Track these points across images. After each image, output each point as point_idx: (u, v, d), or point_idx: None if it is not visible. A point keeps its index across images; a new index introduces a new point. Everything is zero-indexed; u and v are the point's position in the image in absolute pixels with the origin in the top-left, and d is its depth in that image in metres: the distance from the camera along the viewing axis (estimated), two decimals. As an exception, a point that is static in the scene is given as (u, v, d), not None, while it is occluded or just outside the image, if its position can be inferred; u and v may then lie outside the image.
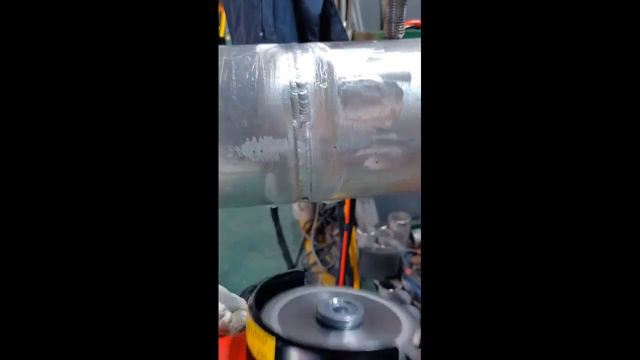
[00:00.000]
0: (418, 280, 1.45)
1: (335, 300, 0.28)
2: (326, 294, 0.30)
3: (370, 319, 0.27)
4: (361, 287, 1.58)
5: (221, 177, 0.44)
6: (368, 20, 1.62)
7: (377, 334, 0.26)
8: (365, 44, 0.50)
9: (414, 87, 0.46)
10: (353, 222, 1.57)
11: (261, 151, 0.43)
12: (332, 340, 0.26)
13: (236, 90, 0.43)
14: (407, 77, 0.46)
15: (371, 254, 1.58)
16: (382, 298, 0.30)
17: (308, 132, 0.44)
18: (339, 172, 0.47)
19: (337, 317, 0.26)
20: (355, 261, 1.71)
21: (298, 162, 0.44)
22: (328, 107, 0.44)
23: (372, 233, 1.66)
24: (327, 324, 0.26)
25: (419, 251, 1.61)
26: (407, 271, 1.50)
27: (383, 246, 1.61)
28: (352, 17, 1.52)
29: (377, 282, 1.56)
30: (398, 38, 0.54)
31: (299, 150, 0.44)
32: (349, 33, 1.34)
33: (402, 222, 1.65)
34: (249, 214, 2.99)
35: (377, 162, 0.46)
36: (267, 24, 1.22)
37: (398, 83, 0.46)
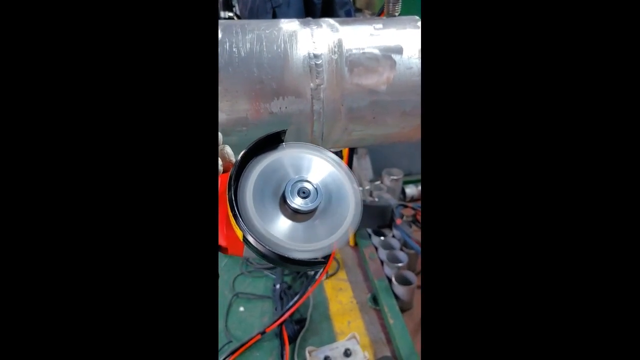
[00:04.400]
0: (407, 229, 1.61)
1: (299, 185, 0.31)
2: (296, 173, 0.32)
3: (326, 205, 0.31)
4: (355, 235, 1.74)
5: (254, 128, 0.57)
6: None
7: (325, 224, 0.31)
8: (367, 21, 0.62)
9: (404, 59, 0.58)
10: (350, 176, 1.69)
11: (286, 107, 0.56)
12: (284, 229, 0.29)
13: (267, 59, 0.55)
14: (399, 50, 0.58)
15: (365, 205, 1.72)
16: (346, 175, 0.33)
17: (322, 93, 0.56)
18: (344, 125, 0.60)
19: (297, 202, 0.30)
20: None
21: (313, 117, 0.57)
22: (338, 74, 0.56)
23: (367, 187, 1.81)
24: (290, 208, 0.30)
25: (409, 204, 1.76)
26: (398, 221, 1.66)
27: (376, 199, 1.76)
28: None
29: (370, 230, 1.73)
30: (395, 16, 0.65)
31: (314, 107, 0.56)
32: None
33: (395, 177, 1.79)
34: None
35: (374, 118, 0.60)
36: (273, -16, 1.30)
37: (392, 55, 0.58)
